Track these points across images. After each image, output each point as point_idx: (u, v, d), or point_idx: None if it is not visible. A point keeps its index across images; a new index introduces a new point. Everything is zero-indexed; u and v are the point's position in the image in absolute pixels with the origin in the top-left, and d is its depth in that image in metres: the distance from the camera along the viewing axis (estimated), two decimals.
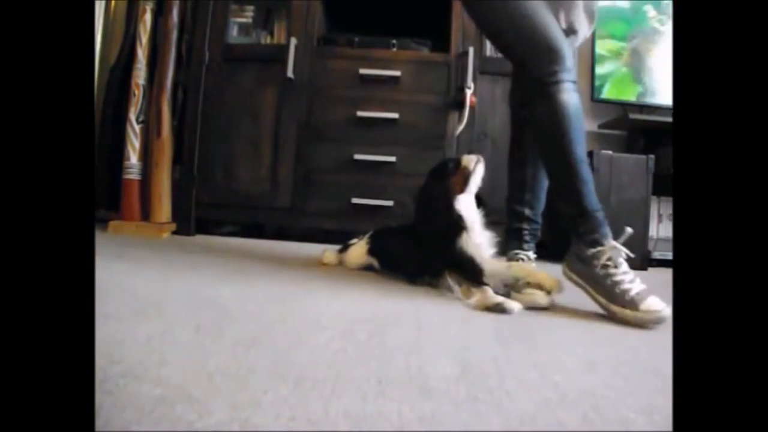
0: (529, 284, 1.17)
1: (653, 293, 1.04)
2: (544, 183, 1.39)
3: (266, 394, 0.56)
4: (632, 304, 1.02)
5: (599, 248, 1.10)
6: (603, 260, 1.09)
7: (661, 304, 1.01)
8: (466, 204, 1.33)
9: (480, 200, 1.39)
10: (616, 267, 1.08)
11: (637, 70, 2.50)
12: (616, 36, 2.49)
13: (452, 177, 1.36)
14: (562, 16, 1.27)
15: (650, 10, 2.53)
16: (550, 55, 1.12)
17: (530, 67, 1.16)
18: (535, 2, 1.16)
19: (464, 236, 1.26)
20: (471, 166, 1.35)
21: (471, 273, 1.20)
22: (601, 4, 2.48)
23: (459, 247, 1.25)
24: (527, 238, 1.38)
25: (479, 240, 1.28)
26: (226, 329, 0.82)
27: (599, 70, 2.47)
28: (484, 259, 1.24)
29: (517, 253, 1.37)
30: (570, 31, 1.28)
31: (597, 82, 2.47)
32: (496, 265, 1.24)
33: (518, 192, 1.40)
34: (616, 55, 2.49)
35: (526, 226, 1.38)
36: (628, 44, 2.50)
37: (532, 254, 1.39)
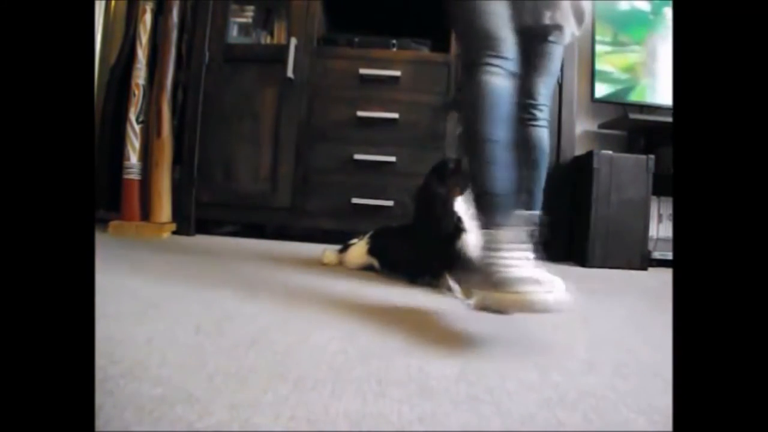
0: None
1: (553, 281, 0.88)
2: (540, 183, 1.40)
3: (266, 394, 0.56)
4: (498, 285, 0.88)
5: (485, 230, 1.03)
6: (487, 243, 1.00)
7: (542, 288, 0.85)
8: (465, 205, 1.33)
9: None
10: (499, 250, 0.97)
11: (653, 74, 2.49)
12: (636, 41, 2.48)
13: (451, 178, 1.36)
14: (546, 12, 1.29)
15: (668, 12, 2.52)
16: (481, 41, 1.16)
17: (465, 53, 1.20)
18: (493, 2, 1.19)
19: (463, 238, 1.26)
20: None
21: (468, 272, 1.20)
22: (622, 5, 2.47)
23: (458, 249, 1.25)
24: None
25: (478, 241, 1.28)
26: (226, 329, 0.82)
27: (621, 76, 2.46)
28: None
29: None
30: (554, 28, 1.31)
31: (621, 86, 2.46)
32: None
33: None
34: (633, 68, 2.48)
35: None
36: (645, 48, 2.48)
37: (530, 254, 1.39)
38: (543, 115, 1.39)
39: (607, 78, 2.46)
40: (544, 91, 1.38)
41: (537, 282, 0.87)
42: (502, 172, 1.12)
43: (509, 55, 1.18)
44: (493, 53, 1.17)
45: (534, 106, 1.37)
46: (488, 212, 1.06)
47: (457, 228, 1.28)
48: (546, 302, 0.82)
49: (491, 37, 1.18)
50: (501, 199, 1.08)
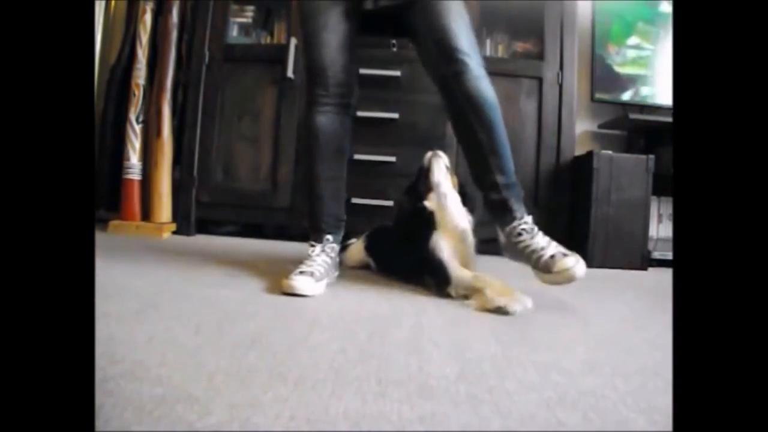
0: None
1: (569, 254, 1.13)
2: (503, 140, 1.23)
3: (266, 394, 0.56)
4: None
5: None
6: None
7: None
8: (440, 201, 1.32)
9: (465, 196, 1.37)
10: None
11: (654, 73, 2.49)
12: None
13: (419, 177, 1.39)
14: None
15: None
16: (312, 78, 1.33)
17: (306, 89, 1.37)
18: (323, 25, 1.30)
19: (434, 237, 1.24)
20: (425, 163, 1.37)
21: (438, 278, 1.20)
22: (663, 6, 2.46)
23: (431, 249, 1.23)
24: (515, 206, 1.21)
25: (460, 233, 1.27)
26: (226, 329, 0.82)
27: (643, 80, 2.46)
28: (454, 265, 1.20)
29: (515, 227, 1.20)
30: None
31: (647, 91, 2.45)
32: (462, 272, 1.18)
33: (481, 160, 1.22)
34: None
35: (506, 193, 1.21)
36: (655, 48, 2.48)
37: (528, 217, 1.22)
38: (474, 63, 1.21)
39: (647, 81, 2.46)
40: (459, 31, 1.21)
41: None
42: (328, 206, 1.35)
43: (336, 87, 1.30)
44: (322, 91, 1.31)
45: (457, 51, 1.20)
46: (313, 233, 1.35)
47: (429, 226, 1.27)
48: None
49: (319, 73, 1.30)
50: (322, 228, 1.33)
